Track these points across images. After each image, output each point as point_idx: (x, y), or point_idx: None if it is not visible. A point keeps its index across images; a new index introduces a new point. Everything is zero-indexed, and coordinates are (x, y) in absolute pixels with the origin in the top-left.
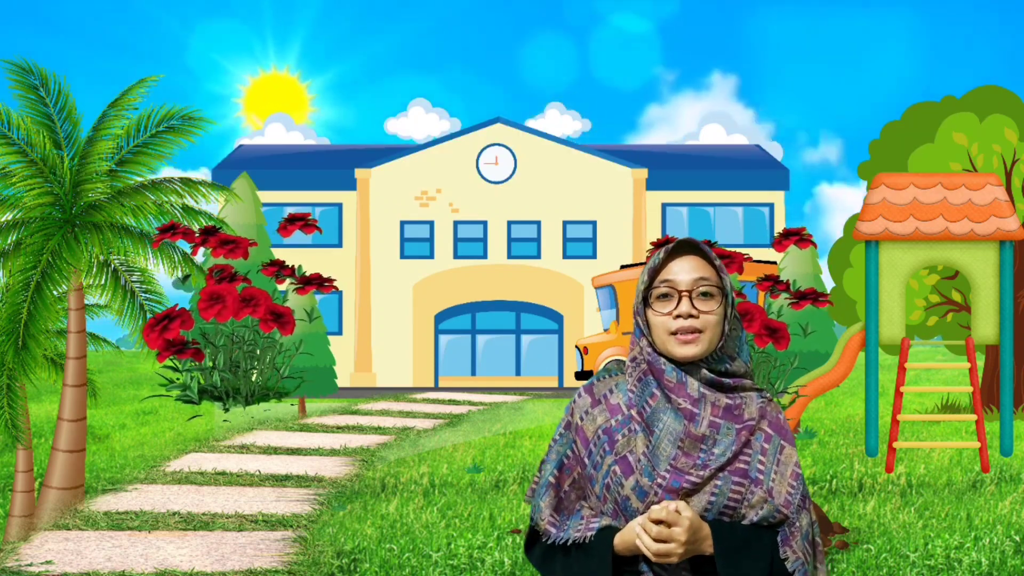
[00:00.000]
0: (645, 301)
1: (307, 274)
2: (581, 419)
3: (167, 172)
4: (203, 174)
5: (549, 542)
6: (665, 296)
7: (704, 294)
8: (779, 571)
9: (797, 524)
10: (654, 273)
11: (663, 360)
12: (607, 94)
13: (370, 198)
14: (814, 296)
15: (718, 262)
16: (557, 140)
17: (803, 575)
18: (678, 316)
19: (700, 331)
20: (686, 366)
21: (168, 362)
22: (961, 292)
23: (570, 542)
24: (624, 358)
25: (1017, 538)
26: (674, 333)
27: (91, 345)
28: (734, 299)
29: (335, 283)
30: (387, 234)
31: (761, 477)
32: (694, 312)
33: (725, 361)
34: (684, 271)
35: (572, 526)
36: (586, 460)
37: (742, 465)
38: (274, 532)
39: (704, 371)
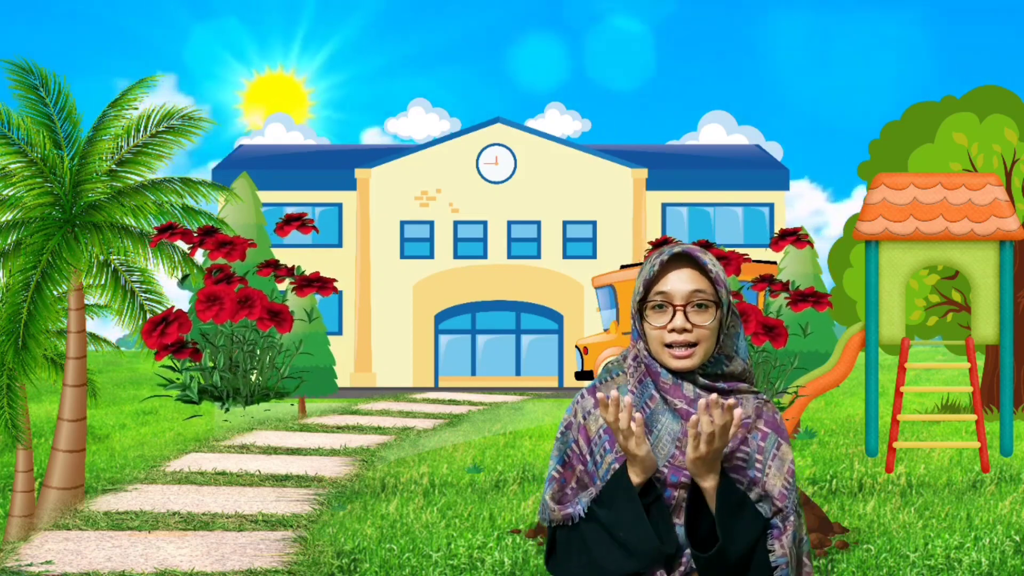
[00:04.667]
0: (640, 311)
1: (306, 274)
2: (584, 419)
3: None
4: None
5: (572, 521)
6: (660, 307)
7: (699, 305)
8: (761, 561)
9: (790, 520)
10: (649, 284)
11: (658, 364)
12: (607, 94)
13: (370, 198)
14: (815, 297)
15: (713, 273)
16: (557, 140)
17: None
18: (672, 330)
19: (695, 344)
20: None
21: (167, 361)
22: (961, 292)
23: (591, 496)
24: None
25: (1017, 538)
26: (669, 345)
27: (91, 345)
28: (731, 302)
29: (336, 284)
30: (387, 234)
31: (758, 474)
32: (688, 326)
33: (722, 362)
34: (679, 284)
35: (582, 498)
36: (587, 458)
37: (739, 462)
38: (274, 532)
39: (699, 377)
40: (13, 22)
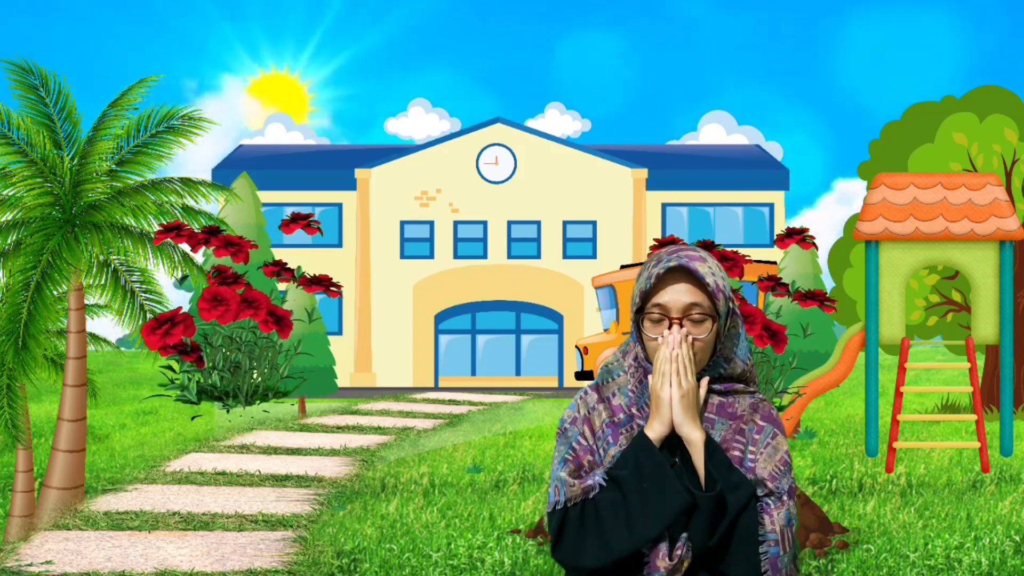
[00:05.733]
0: (637, 320)
1: (310, 275)
2: (589, 413)
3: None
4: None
5: (592, 492)
6: (657, 319)
7: (696, 319)
8: (748, 528)
9: (783, 501)
10: (646, 295)
11: None
12: (608, 94)
13: (370, 198)
14: (821, 298)
15: (711, 286)
16: (557, 140)
17: (775, 555)
18: None
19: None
20: None
21: (168, 361)
22: (961, 292)
23: (610, 465)
24: None
25: (1017, 538)
26: None
27: (91, 345)
28: (730, 308)
29: (342, 288)
30: (387, 234)
31: (751, 464)
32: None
33: (720, 365)
34: (675, 298)
35: (598, 471)
36: (594, 447)
37: (736, 453)
38: (274, 532)
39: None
40: (19, 18)
